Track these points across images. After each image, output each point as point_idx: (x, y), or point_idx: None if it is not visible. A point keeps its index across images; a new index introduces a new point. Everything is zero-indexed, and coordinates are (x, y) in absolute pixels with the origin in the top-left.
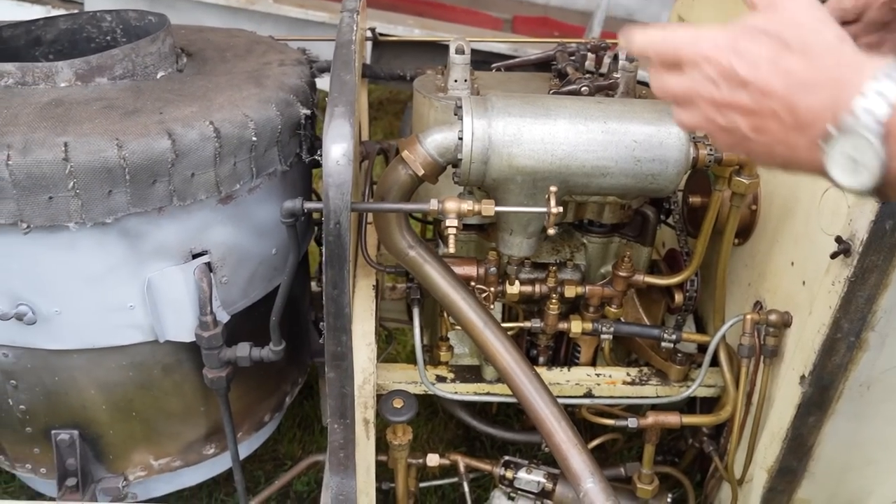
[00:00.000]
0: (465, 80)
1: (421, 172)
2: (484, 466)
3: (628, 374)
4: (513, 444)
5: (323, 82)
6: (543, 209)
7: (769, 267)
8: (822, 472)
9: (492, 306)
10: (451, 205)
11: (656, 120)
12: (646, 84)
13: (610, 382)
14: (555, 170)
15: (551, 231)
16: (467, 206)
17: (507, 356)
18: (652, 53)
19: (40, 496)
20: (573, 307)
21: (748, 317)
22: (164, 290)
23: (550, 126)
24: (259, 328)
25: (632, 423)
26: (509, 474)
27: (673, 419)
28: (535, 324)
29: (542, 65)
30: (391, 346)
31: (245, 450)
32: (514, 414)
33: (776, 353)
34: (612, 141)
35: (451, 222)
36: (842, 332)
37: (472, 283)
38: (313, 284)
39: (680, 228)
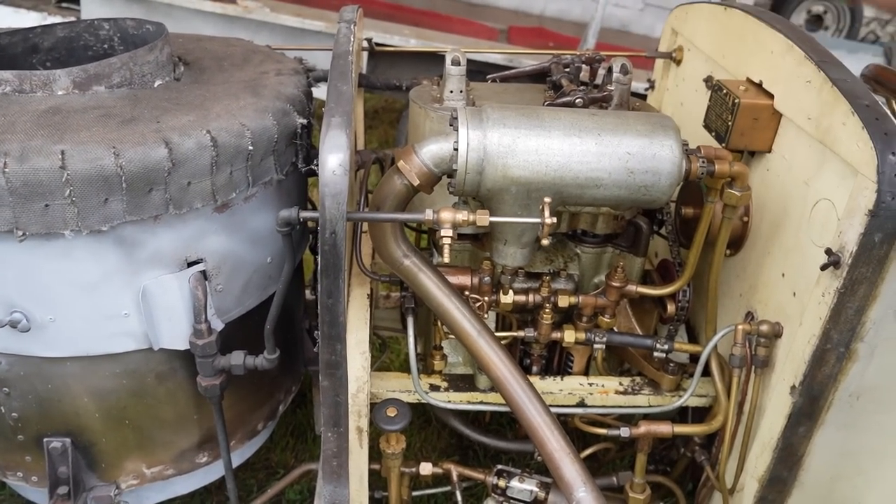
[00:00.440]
0: (461, 91)
1: (416, 182)
2: (477, 475)
3: (621, 384)
4: (506, 453)
5: (319, 92)
6: (537, 220)
7: (760, 278)
8: (811, 482)
9: (486, 315)
10: (446, 215)
11: (649, 132)
12: (640, 96)
13: (602, 392)
14: (549, 181)
15: (545, 241)
16: (462, 216)
17: (500, 365)
18: None
19: None
20: (566, 317)
21: (739, 327)
22: (158, 298)
23: (545, 137)
24: (253, 336)
25: (624, 432)
26: (502, 483)
27: (665, 429)
28: (528, 333)
29: (537, 76)
30: (385, 355)
31: (238, 458)
32: (508, 423)
33: (767, 363)
34: (606, 153)
35: (446, 232)
36: (831, 343)
37: (467, 293)
38: (307, 293)
39: (672, 239)
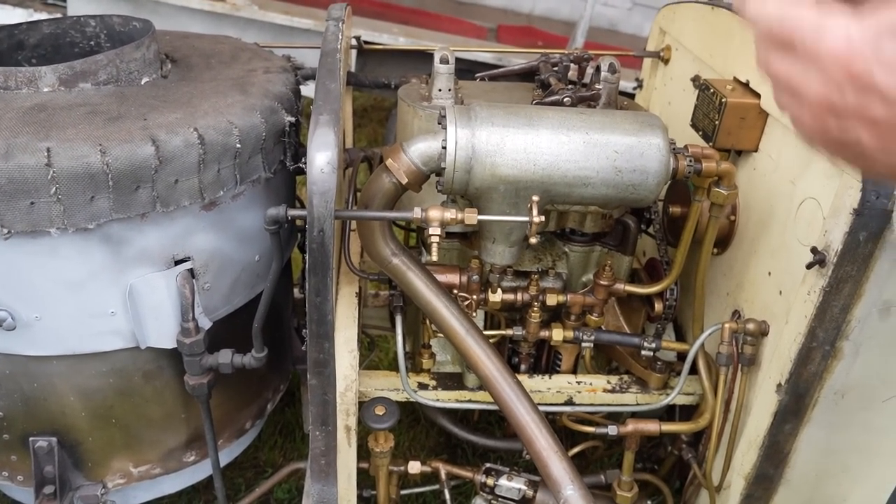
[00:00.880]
0: (450, 90)
1: (405, 181)
2: (465, 474)
3: (608, 382)
4: (494, 452)
5: (308, 90)
6: (525, 218)
7: (747, 277)
8: (797, 479)
9: (474, 314)
10: (435, 213)
11: (637, 131)
12: (628, 95)
13: (590, 390)
14: (537, 179)
15: (533, 240)
16: (450, 214)
17: (488, 364)
18: (763, 27)
19: None
20: (555, 315)
21: (726, 326)
22: (145, 297)
23: (533, 136)
24: (241, 335)
25: (612, 430)
26: (490, 481)
27: (652, 427)
28: (516, 332)
29: (526, 75)
30: (374, 354)
31: (226, 457)
32: (496, 421)
33: (753, 361)
34: (594, 151)
35: (434, 230)
36: (817, 341)
37: (455, 291)
38: (296, 291)
39: (660, 238)
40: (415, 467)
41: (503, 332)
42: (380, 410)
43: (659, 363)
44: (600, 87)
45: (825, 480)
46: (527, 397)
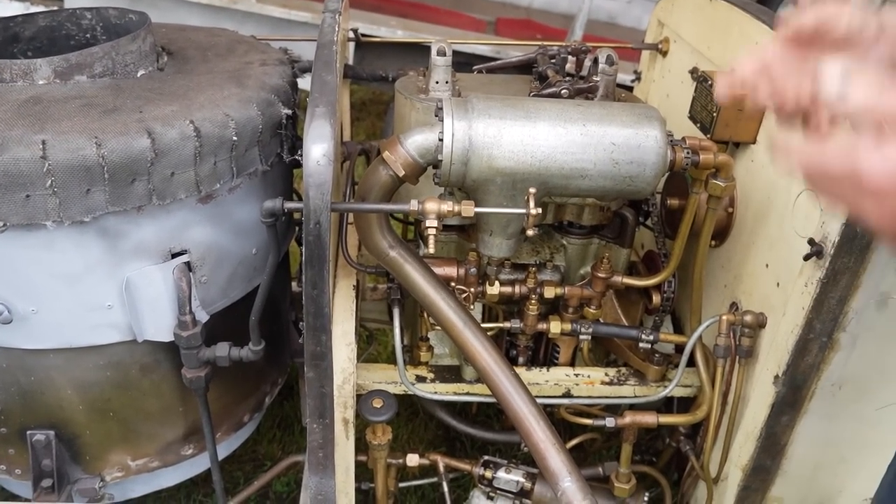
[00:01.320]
0: (447, 82)
1: (401, 173)
2: (463, 466)
3: (606, 375)
4: (492, 444)
5: (305, 82)
6: (523, 210)
7: (745, 269)
8: (794, 470)
9: (472, 307)
10: (431, 206)
11: (635, 123)
12: (626, 87)
13: (588, 382)
14: (534, 171)
15: (530, 232)
16: (447, 206)
17: (486, 356)
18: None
19: (15, 498)
20: (552, 308)
21: (724, 318)
22: (142, 290)
23: (530, 128)
24: (238, 328)
25: (609, 422)
26: (488, 474)
27: (650, 419)
28: (514, 324)
29: (524, 67)
30: (372, 347)
31: (224, 450)
32: (494, 414)
33: (751, 353)
34: (591, 143)
35: (431, 223)
36: (814, 333)
37: (453, 284)
38: (294, 284)
39: (658, 230)
40: (413, 460)
41: (501, 325)
42: (377, 403)
43: (657, 355)
44: (598, 79)
45: (822, 471)
46: (524, 390)
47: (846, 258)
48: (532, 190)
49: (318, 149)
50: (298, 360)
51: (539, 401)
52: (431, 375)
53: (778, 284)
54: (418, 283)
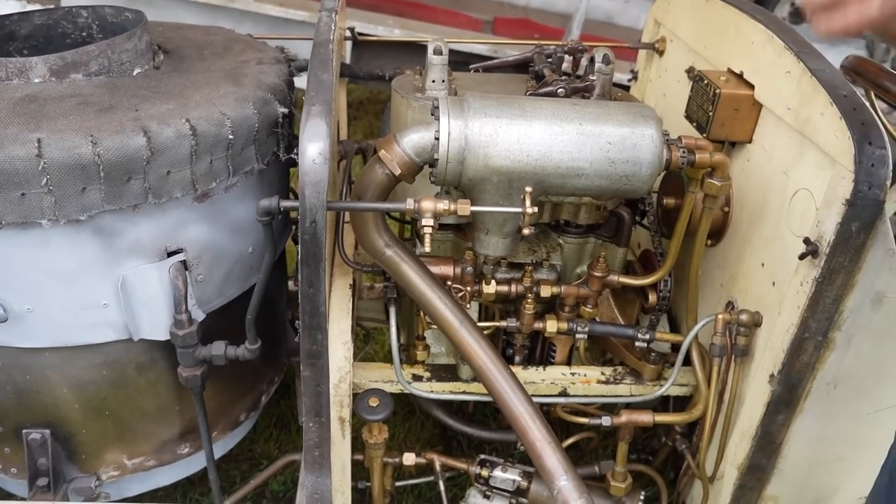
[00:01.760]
0: (443, 81)
1: (398, 172)
2: (460, 465)
3: (603, 374)
4: (489, 443)
5: (301, 81)
6: (519, 209)
7: (741, 268)
8: (790, 469)
9: (468, 306)
10: (427, 204)
11: (631, 122)
12: (623, 87)
13: (585, 381)
14: (530, 170)
15: (526, 231)
16: (443, 205)
17: (482, 355)
18: None
19: (10, 496)
20: (549, 307)
21: (720, 317)
22: (138, 288)
23: (526, 127)
24: (235, 327)
25: (606, 421)
26: (485, 473)
27: (646, 418)
28: (510, 323)
29: (520, 66)
30: (369, 346)
31: (220, 449)
32: (491, 413)
33: (747, 352)
34: (587, 142)
35: (427, 222)
36: (809, 332)
37: (449, 283)
38: (290, 283)
39: (654, 229)
40: (409, 459)
41: (497, 324)
42: (374, 402)
43: (653, 354)
44: (594, 78)
45: (817, 470)
46: (521, 389)
47: (841, 257)
48: (528, 189)
49: (313, 147)
50: (295, 359)
51: (535, 400)
52: (428, 374)
53: (774, 283)
54: (415, 281)
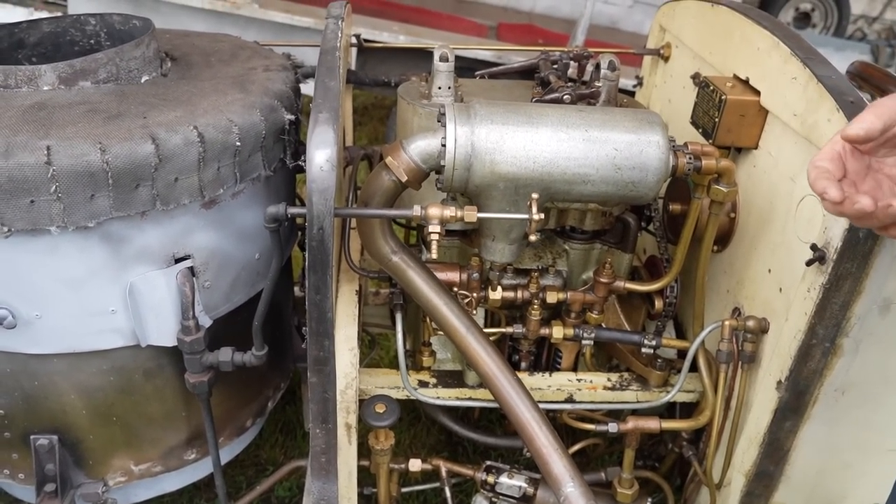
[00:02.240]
0: (449, 87)
1: (404, 178)
2: (466, 471)
3: (609, 380)
4: (495, 449)
5: (308, 88)
6: (525, 216)
7: (747, 274)
8: (798, 476)
9: (474, 312)
10: (434, 211)
11: (637, 128)
12: (628, 93)
13: (591, 388)
14: (536, 177)
15: (533, 237)
16: (450, 212)
17: (488, 361)
18: None
19: (18, 502)
20: (555, 313)
21: (726, 323)
22: (146, 295)
23: (532, 133)
24: (241, 333)
25: (612, 428)
26: (491, 479)
27: (653, 424)
28: (517, 329)
29: (526, 72)
30: (374, 352)
31: (226, 455)
32: (497, 419)
33: (754, 358)
34: (593, 149)
35: (434, 228)
36: (817, 338)
37: (455, 289)
38: (297, 289)
39: (660, 235)
40: (415, 465)
41: (503, 330)
42: (380, 408)
43: (659, 361)
44: (600, 84)
45: (825, 477)
46: (527, 395)
47: (849, 263)
48: (534, 195)
49: (321, 154)
50: (301, 365)
51: (541, 406)
52: (434, 380)
53: (780, 290)
54: (421, 288)
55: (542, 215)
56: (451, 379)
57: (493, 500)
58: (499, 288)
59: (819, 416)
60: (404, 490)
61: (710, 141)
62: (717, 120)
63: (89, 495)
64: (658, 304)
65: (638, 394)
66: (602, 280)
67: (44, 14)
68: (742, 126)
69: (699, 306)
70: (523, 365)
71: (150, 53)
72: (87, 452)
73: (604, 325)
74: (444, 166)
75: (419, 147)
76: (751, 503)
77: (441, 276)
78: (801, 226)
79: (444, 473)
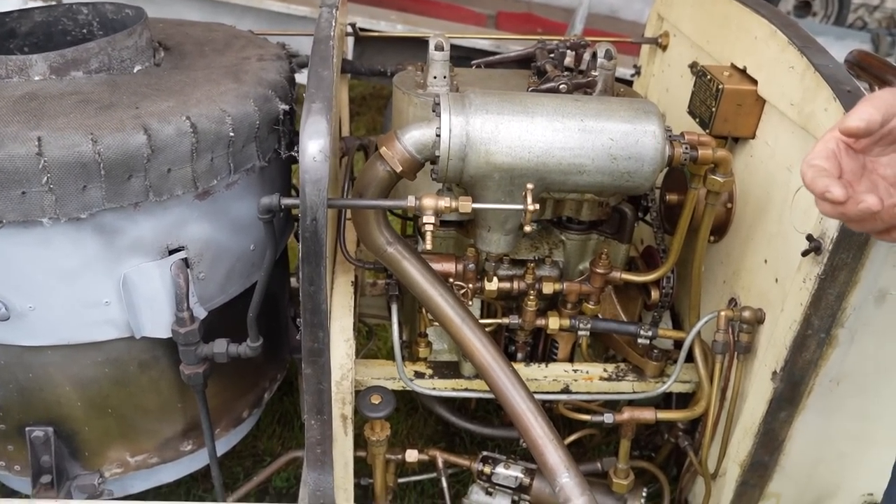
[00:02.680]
0: (445, 77)
1: (399, 169)
2: (462, 462)
3: (605, 370)
4: (491, 440)
5: (303, 77)
6: (520, 206)
7: (743, 264)
8: (792, 466)
9: (470, 303)
10: (429, 202)
11: (633, 118)
12: (626, 82)
13: (587, 378)
14: (532, 167)
15: (528, 228)
16: (444, 203)
17: (484, 352)
18: None
19: (14, 494)
20: (551, 303)
21: (722, 313)
22: (140, 286)
23: (528, 123)
24: (237, 324)
25: (608, 418)
26: (487, 469)
27: (648, 414)
28: (513, 320)
29: (523, 62)
30: (372, 342)
31: (223, 446)
32: (493, 410)
33: (749, 349)
34: (589, 139)
35: (429, 219)
36: (812, 329)
37: (451, 280)
38: (292, 280)
39: (657, 226)
40: (412, 455)
41: (499, 321)
42: (376, 399)
43: (655, 351)
44: (596, 73)
45: (820, 467)
46: (523, 386)
47: (844, 254)
48: (530, 185)
49: (314, 145)
50: (297, 356)
51: (537, 396)
52: (430, 371)
53: (776, 280)
54: (416, 279)
55: (538, 206)
56: (448, 370)
57: (490, 490)
58: (495, 278)
59: (814, 406)
60: (401, 481)
61: (707, 131)
62: (713, 109)
63: (85, 487)
64: (654, 294)
65: (634, 384)
66: (598, 270)
67: (36, 3)
68: (739, 115)
69: (695, 297)
70: (519, 356)
71: (142, 43)
72: (82, 444)
73: (600, 315)
74: (438, 156)
75: (414, 137)
76: (746, 493)
77: (437, 266)
78: (797, 216)
79: (440, 464)
